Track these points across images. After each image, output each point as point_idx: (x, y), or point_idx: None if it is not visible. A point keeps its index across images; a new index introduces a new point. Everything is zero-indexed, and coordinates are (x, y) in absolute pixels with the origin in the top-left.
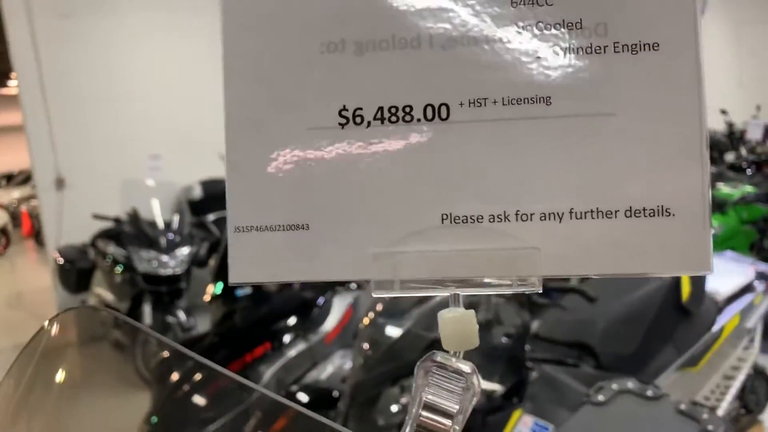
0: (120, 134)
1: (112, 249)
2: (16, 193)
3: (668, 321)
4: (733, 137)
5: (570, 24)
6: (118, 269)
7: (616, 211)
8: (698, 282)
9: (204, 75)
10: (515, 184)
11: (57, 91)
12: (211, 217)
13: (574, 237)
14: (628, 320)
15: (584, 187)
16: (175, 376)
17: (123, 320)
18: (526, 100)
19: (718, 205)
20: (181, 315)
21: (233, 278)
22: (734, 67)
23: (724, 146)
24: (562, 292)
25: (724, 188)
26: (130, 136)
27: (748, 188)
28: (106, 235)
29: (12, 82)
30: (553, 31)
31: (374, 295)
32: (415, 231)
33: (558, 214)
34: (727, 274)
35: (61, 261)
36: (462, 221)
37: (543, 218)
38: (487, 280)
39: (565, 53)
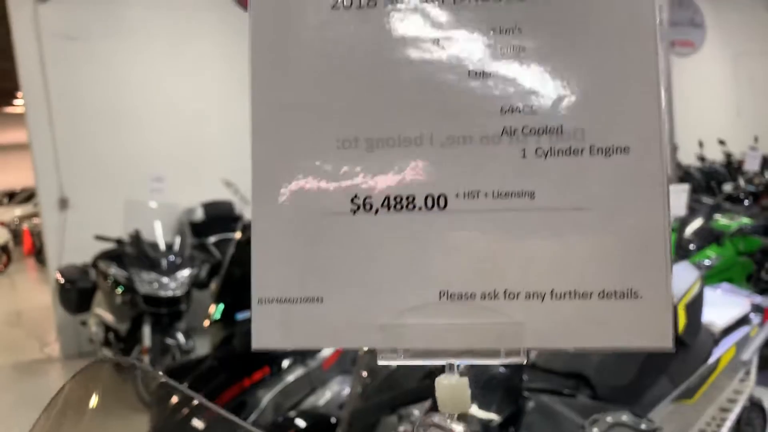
0: (124, 155)
1: (113, 270)
2: (18, 211)
3: (664, 352)
4: (731, 167)
5: (552, 129)
6: (119, 290)
7: (591, 293)
8: (694, 314)
9: (208, 99)
10: (504, 267)
11: (63, 111)
12: (212, 239)
13: (555, 314)
14: (624, 351)
15: (563, 271)
16: (173, 402)
17: (156, 377)
18: (513, 194)
19: (716, 237)
20: (181, 337)
21: (255, 344)
22: (732, 98)
23: (723, 176)
24: None
25: (721, 220)
26: (134, 157)
27: (745, 220)
28: (107, 255)
29: (18, 101)
30: (538, 135)
31: (380, 363)
32: (417, 306)
33: (540, 294)
34: (722, 306)
35: (62, 281)
36: (457, 298)
37: (528, 297)
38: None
39: (547, 155)
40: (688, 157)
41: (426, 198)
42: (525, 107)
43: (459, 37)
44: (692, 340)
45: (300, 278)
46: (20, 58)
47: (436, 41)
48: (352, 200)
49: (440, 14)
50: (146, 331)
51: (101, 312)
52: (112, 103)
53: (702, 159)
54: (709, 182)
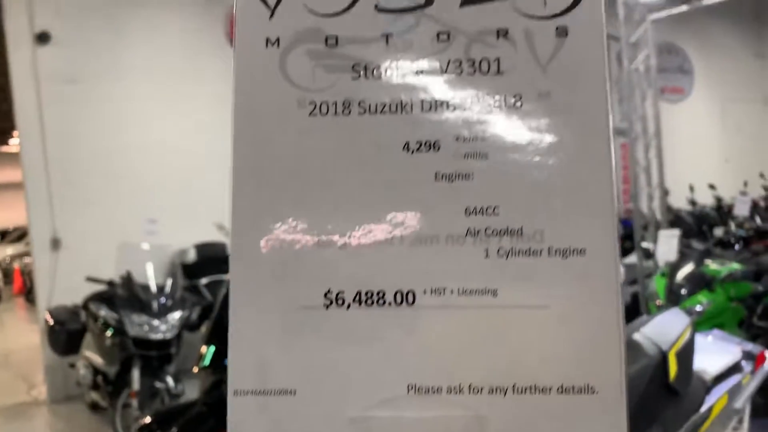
0: (118, 197)
1: (103, 312)
2: (9, 250)
3: (656, 401)
4: (722, 211)
5: (513, 231)
6: (109, 332)
7: (550, 388)
8: (685, 361)
9: (203, 141)
10: (469, 361)
11: (58, 151)
12: (204, 280)
13: (516, 408)
14: None
15: (525, 367)
16: None
17: None
18: (477, 292)
19: (707, 282)
20: (170, 381)
21: None
22: (721, 143)
23: (713, 220)
24: None
25: (711, 265)
26: (128, 198)
27: (735, 265)
28: (98, 297)
29: (14, 140)
30: (500, 236)
31: None
32: (386, 399)
33: (503, 388)
34: (714, 353)
35: (52, 322)
36: (425, 392)
37: (491, 392)
38: None
39: (508, 255)
40: (679, 200)
41: (396, 294)
42: (488, 209)
43: (425, 143)
44: (684, 388)
45: (274, 371)
46: (18, 98)
47: (405, 146)
48: (325, 295)
49: (408, 122)
50: (135, 374)
51: (90, 354)
52: (107, 144)
53: (693, 203)
54: (700, 226)
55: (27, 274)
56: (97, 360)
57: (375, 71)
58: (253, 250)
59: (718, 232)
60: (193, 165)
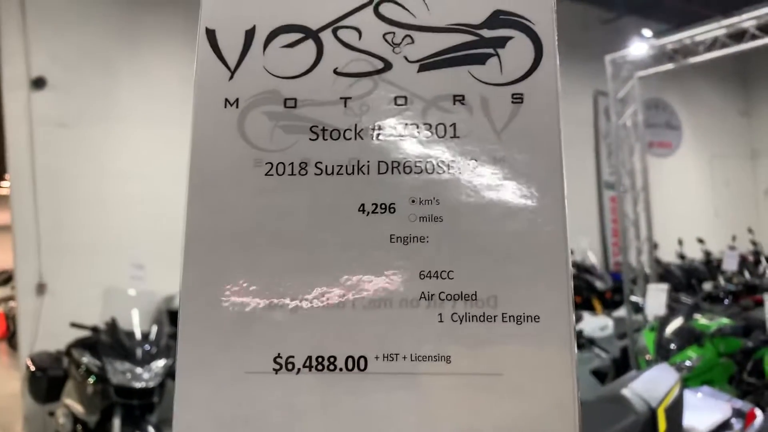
0: (106, 242)
1: (86, 359)
2: None
3: None
4: (711, 266)
5: (467, 296)
6: (91, 380)
7: None
8: (675, 418)
9: None
10: (420, 428)
11: (48, 196)
12: None
13: None
14: None
15: None
16: None
17: None
18: (430, 358)
19: (696, 337)
20: (151, 431)
21: None
22: (709, 198)
23: (703, 274)
24: None
25: (701, 319)
26: (116, 244)
27: (724, 320)
28: (81, 343)
29: (5, 183)
30: (454, 300)
31: None
32: None
33: None
34: (703, 410)
35: (33, 368)
36: None
37: None
38: None
39: (462, 320)
40: (668, 254)
41: (347, 359)
42: (442, 273)
43: (381, 205)
44: None
45: None
46: (10, 142)
47: (360, 207)
48: (275, 360)
49: (364, 183)
50: (116, 423)
51: (71, 402)
52: (97, 189)
53: (682, 257)
54: (689, 280)
55: (11, 319)
56: (78, 408)
57: (333, 133)
58: (202, 312)
59: (707, 286)
60: (182, 211)
